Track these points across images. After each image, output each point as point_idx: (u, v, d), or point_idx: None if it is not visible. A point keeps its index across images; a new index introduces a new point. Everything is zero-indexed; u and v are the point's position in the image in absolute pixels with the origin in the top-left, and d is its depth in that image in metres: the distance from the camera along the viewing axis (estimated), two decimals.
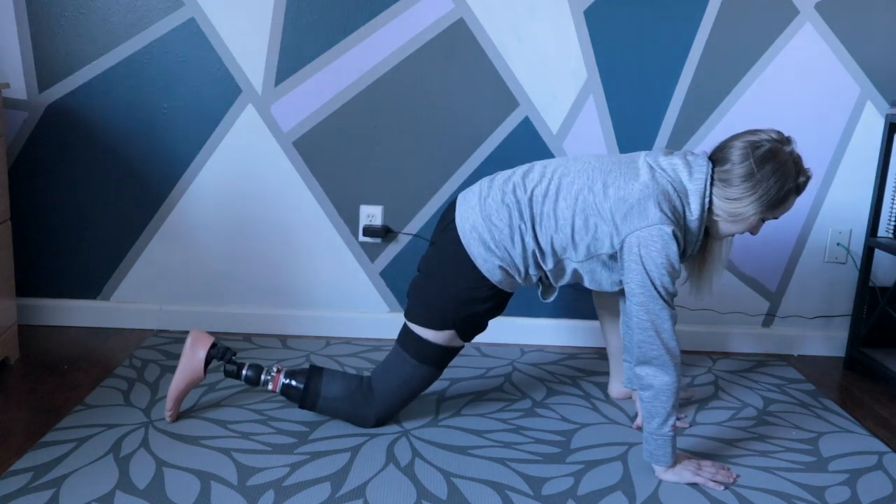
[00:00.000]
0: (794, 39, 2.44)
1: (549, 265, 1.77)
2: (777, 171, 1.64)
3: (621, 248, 1.67)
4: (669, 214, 1.64)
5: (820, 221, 2.58)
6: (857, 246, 2.58)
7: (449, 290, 1.79)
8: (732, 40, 2.43)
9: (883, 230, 2.49)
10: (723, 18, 2.41)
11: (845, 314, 2.64)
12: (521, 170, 1.82)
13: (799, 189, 1.69)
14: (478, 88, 2.42)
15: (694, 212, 1.69)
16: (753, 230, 1.74)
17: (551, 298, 1.89)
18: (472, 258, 1.77)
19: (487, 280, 1.78)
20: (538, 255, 1.76)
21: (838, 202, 2.57)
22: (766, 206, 1.67)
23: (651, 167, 1.70)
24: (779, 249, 2.60)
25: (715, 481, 1.70)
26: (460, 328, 1.81)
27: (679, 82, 2.44)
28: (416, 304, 1.83)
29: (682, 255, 1.73)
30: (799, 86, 2.47)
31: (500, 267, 1.77)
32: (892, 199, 2.45)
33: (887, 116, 2.39)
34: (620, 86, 2.44)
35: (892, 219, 2.43)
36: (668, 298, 1.65)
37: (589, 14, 2.39)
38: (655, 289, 1.63)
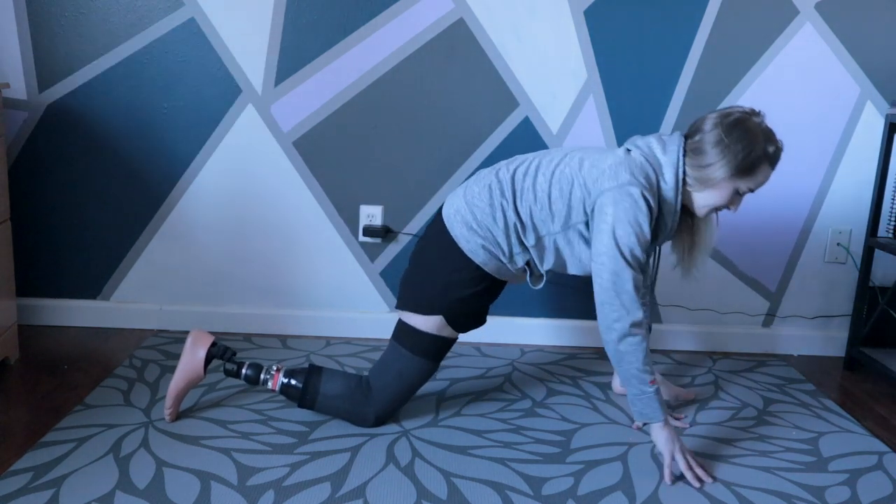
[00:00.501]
0: (794, 39, 2.44)
1: (530, 240, 1.80)
2: (745, 136, 1.67)
3: (592, 210, 1.72)
4: (641, 180, 1.69)
5: (820, 221, 2.58)
6: (857, 246, 2.58)
7: (435, 274, 1.83)
8: (732, 40, 2.43)
9: (883, 230, 2.49)
10: (723, 18, 2.41)
11: (845, 314, 2.63)
12: (505, 161, 1.91)
13: (770, 158, 1.69)
14: (478, 88, 2.42)
15: (668, 182, 1.73)
16: (732, 204, 1.76)
17: (540, 285, 1.89)
18: (456, 240, 1.81)
19: (472, 261, 1.81)
20: (519, 229, 1.79)
21: (838, 202, 2.57)
22: (735, 170, 1.68)
23: (626, 147, 1.79)
24: (779, 249, 2.60)
25: (694, 473, 1.70)
26: (449, 314, 1.81)
27: (679, 82, 2.44)
28: (405, 292, 1.87)
29: (659, 228, 1.78)
30: (799, 86, 2.47)
31: (483, 247, 1.80)
32: (892, 199, 2.45)
33: (887, 116, 2.39)
34: (620, 86, 2.44)
35: (892, 219, 2.43)
36: (633, 262, 1.67)
37: (589, 14, 2.39)
38: (619, 248, 1.66)
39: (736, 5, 2.40)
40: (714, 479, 1.73)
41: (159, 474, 1.62)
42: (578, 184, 1.74)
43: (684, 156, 1.73)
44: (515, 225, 1.79)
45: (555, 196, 1.76)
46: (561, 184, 1.76)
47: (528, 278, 1.89)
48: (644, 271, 1.75)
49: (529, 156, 1.87)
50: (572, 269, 1.85)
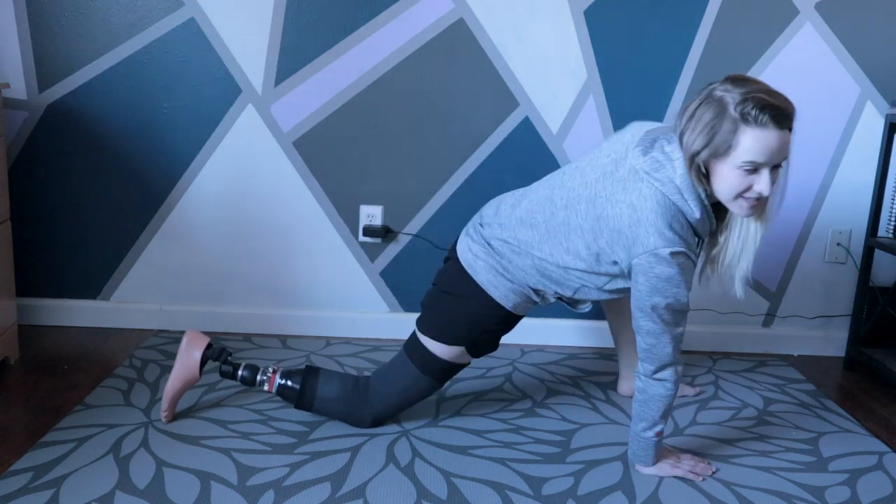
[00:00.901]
0: (794, 39, 2.44)
1: (567, 293, 1.77)
2: (705, 102, 1.50)
3: (628, 270, 1.63)
4: (669, 234, 1.54)
5: (820, 221, 2.58)
6: (857, 246, 2.58)
7: (462, 310, 1.79)
8: (732, 40, 2.42)
9: (883, 230, 2.49)
10: (723, 18, 2.41)
11: (845, 314, 2.63)
12: (514, 199, 1.82)
13: (743, 116, 1.45)
14: (478, 88, 2.42)
15: (692, 204, 1.56)
16: (754, 185, 1.50)
17: (585, 308, 1.87)
18: (483, 288, 1.77)
19: (502, 306, 1.78)
20: (551, 285, 1.76)
21: (838, 202, 2.56)
22: (701, 143, 1.49)
23: (636, 173, 1.59)
24: (779, 249, 2.60)
25: (694, 472, 1.72)
26: (470, 346, 1.81)
27: (679, 82, 2.44)
28: (429, 317, 1.83)
29: (698, 237, 1.64)
30: (799, 86, 2.47)
31: (514, 290, 1.77)
32: (892, 199, 2.45)
33: (887, 116, 2.39)
34: (620, 86, 2.44)
35: (892, 219, 2.43)
36: (673, 321, 1.60)
37: (589, 14, 2.39)
38: (659, 317, 1.58)
39: (736, 5, 2.40)
40: (714, 470, 1.75)
41: (159, 474, 1.62)
42: (601, 239, 1.63)
43: (690, 166, 1.55)
44: (542, 280, 1.76)
45: (574, 251, 1.68)
46: (583, 240, 1.66)
47: (567, 305, 1.88)
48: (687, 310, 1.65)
49: (540, 196, 1.75)
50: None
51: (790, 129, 1.49)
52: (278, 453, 1.74)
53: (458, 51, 2.39)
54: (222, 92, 2.39)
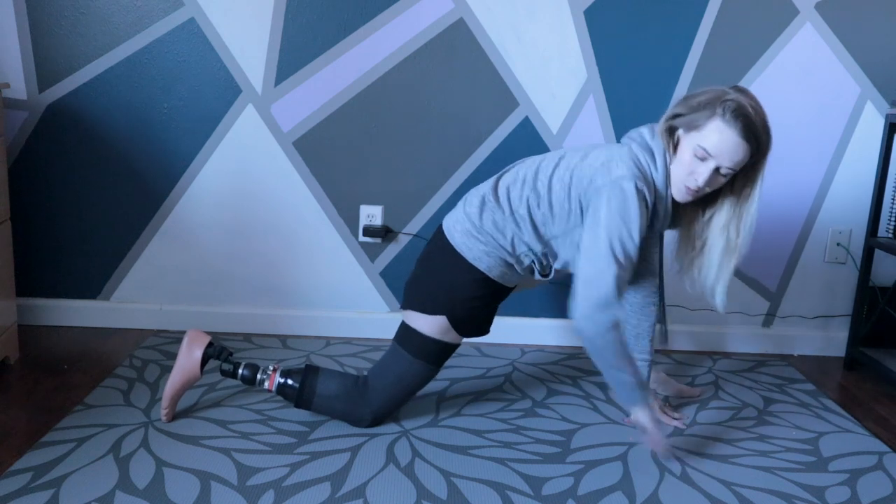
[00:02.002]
0: (794, 39, 2.44)
1: (537, 247, 1.80)
2: (706, 89, 1.67)
3: (589, 207, 1.70)
4: (636, 171, 1.67)
5: (820, 221, 2.58)
6: (857, 246, 2.58)
7: (440, 274, 1.83)
8: (732, 40, 2.43)
9: (883, 230, 2.49)
10: (723, 18, 2.41)
11: (845, 314, 2.64)
12: (504, 169, 1.91)
13: (720, 110, 1.60)
14: (478, 88, 2.42)
15: (659, 167, 1.71)
16: (694, 174, 1.65)
17: (550, 277, 1.88)
18: (458, 250, 1.81)
19: (476, 269, 1.80)
20: (524, 236, 1.79)
21: (838, 202, 2.57)
22: (679, 110, 1.66)
23: (623, 141, 1.79)
24: (779, 249, 2.60)
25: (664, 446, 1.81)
26: (452, 314, 1.81)
27: (679, 82, 2.44)
28: (411, 291, 1.87)
29: (655, 216, 1.75)
30: (799, 86, 2.47)
31: (487, 253, 1.80)
32: (892, 199, 2.45)
33: (887, 116, 2.39)
34: (620, 86, 2.44)
35: (892, 219, 2.43)
36: (623, 259, 1.64)
37: (589, 14, 2.39)
38: (610, 245, 1.64)
39: (736, 5, 2.40)
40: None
41: (159, 474, 1.62)
42: (576, 183, 1.73)
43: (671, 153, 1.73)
44: (517, 233, 1.79)
45: (555, 199, 1.76)
46: (561, 184, 1.75)
47: (536, 276, 1.88)
48: (646, 268, 1.74)
49: (528, 160, 1.87)
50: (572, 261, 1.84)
51: (753, 147, 1.62)
52: (278, 453, 1.74)
53: (458, 51, 2.39)
54: (222, 92, 2.39)
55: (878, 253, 2.54)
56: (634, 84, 2.44)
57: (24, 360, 2.22)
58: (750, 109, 1.60)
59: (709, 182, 1.66)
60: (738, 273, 2.60)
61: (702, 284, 1.80)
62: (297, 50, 2.37)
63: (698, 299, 2.60)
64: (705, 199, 1.78)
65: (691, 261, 1.82)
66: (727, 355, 2.59)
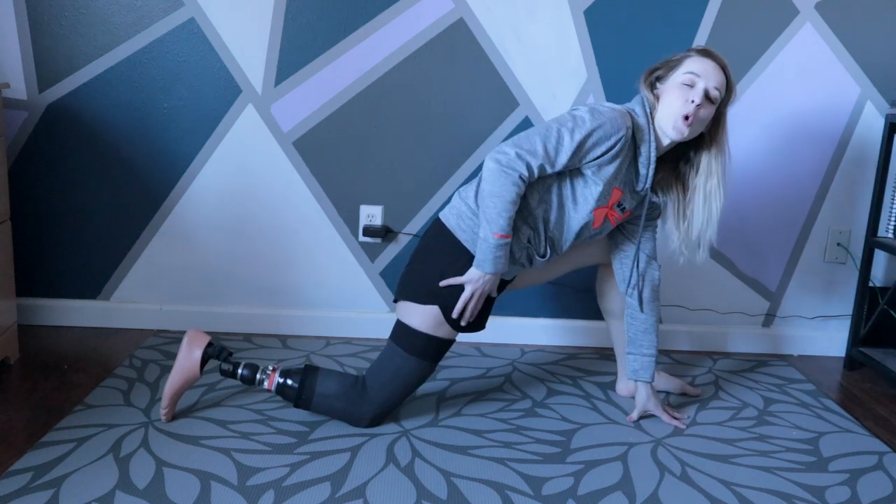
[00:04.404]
0: (794, 39, 2.44)
1: (533, 201, 1.83)
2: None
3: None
4: (614, 107, 1.79)
5: (820, 221, 2.58)
6: (857, 246, 2.58)
7: (432, 263, 1.84)
8: (732, 40, 2.43)
9: (883, 230, 2.49)
10: (723, 18, 2.41)
11: (845, 314, 2.64)
12: None
13: (687, 52, 1.83)
14: (478, 88, 2.42)
15: (639, 111, 1.83)
16: (685, 100, 1.77)
17: (547, 258, 1.89)
18: (452, 232, 1.84)
19: (469, 252, 1.82)
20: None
21: (838, 202, 2.57)
22: (656, 67, 1.86)
23: None
24: (779, 249, 2.60)
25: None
26: (445, 305, 1.81)
27: None
28: (404, 283, 1.89)
29: (637, 155, 1.84)
30: (799, 86, 2.47)
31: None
32: (892, 199, 2.45)
33: (887, 116, 2.39)
34: (620, 86, 2.44)
35: (892, 219, 2.43)
36: (550, 147, 1.73)
37: (589, 14, 2.39)
38: (550, 125, 1.75)
39: (736, 5, 2.40)
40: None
41: (159, 474, 1.62)
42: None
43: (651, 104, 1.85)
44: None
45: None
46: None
47: (536, 259, 1.89)
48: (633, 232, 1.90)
49: None
50: (574, 222, 1.85)
51: (726, 76, 1.81)
52: (278, 453, 1.74)
53: (458, 51, 2.39)
54: (222, 92, 2.39)
55: (878, 253, 2.54)
56: (634, 84, 2.42)
57: (24, 360, 2.22)
58: (709, 49, 1.84)
59: (703, 103, 1.78)
60: (738, 273, 2.60)
61: (690, 240, 1.91)
62: (297, 50, 2.37)
63: (698, 299, 2.60)
64: (686, 158, 1.91)
65: (683, 226, 1.92)
66: (727, 355, 2.59)
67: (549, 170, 1.75)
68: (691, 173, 1.90)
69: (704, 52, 1.81)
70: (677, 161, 1.94)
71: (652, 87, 1.86)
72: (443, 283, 1.79)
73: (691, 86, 1.78)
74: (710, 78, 1.78)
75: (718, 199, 1.87)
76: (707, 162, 1.87)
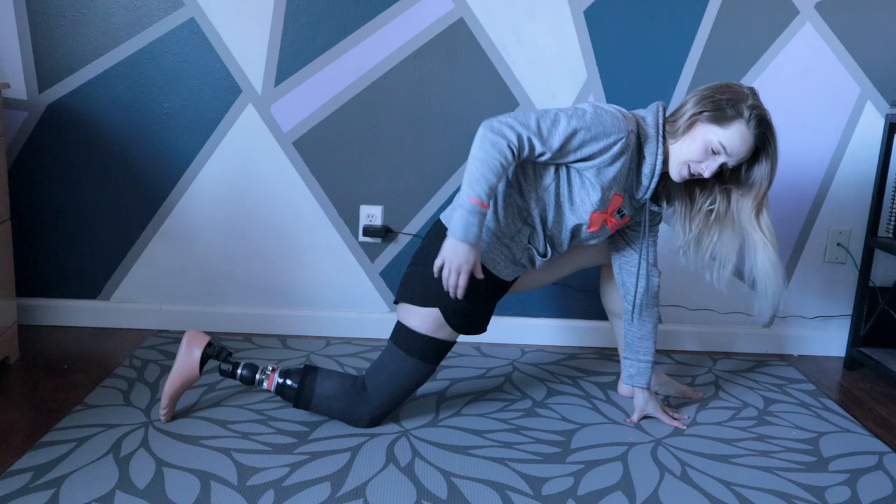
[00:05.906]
0: (794, 39, 2.44)
1: (530, 195, 1.81)
2: (723, 86, 1.72)
3: None
4: (623, 113, 1.73)
5: (820, 221, 2.58)
6: (857, 246, 2.58)
7: (432, 265, 1.79)
8: (732, 40, 2.43)
9: (883, 230, 2.49)
10: (723, 18, 2.41)
11: (845, 314, 2.64)
12: None
13: (747, 113, 1.67)
14: (478, 88, 2.42)
15: (650, 123, 1.76)
16: (704, 162, 1.71)
17: (548, 257, 1.87)
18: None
19: None
20: (516, 192, 1.81)
21: (838, 202, 2.57)
22: (706, 108, 1.69)
23: None
24: (779, 249, 2.59)
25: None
26: (445, 307, 1.79)
27: (679, 82, 2.44)
28: (404, 286, 1.87)
29: (641, 165, 1.78)
30: (799, 86, 2.47)
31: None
32: (892, 199, 2.45)
33: (887, 116, 2.39)
34: (620, 86, 2.44)
35: (892, 219, 2.43)
36: (548, 118, 1.68)
37: (589, 14, 2.39)
38: (548, 109, 1.70)
39: (736, 5, 2.40)
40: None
41: (159, 474, 1.62)
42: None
43: (663, 115, 1.78)
44: (507, 189, 1.81)
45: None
46: None
47: (536, 259, 1.87)
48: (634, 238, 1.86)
49: None
50: (569, 221, 1.83)
51: (755, 155, 1.74)
52: (278, 453, 1.74)
53: (458, 51, 2.39)
54: (222, 92, 2.39)
55: (878, 253, 2.54)
56: (634, 84, 2.44)
57: (24, 360, 2.22)
58: (769, 119, 1.70)
59: (713, 174, 1.74)
60: (738, 273, 2.60)
61: (691, 257, 1.91)
62: (297, 50, 2.37)
63: (698, 299, 2.60)
64: (700, 182, 1.86)
65: (702, 245, 1.90)
66: (727, 355, 2.59)
67: (539, 148, 1.68)
68: (701, 195, 1.86)
69: (759, 123, 1.68)
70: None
71: (693, 117, 1.73)
72: (434, 268, 1.73)
73: (716, 153, 1.70)
74: (736, 157, 1.71)
75: (770, 245, 1.88)
76: (735, 202, 1.82)
